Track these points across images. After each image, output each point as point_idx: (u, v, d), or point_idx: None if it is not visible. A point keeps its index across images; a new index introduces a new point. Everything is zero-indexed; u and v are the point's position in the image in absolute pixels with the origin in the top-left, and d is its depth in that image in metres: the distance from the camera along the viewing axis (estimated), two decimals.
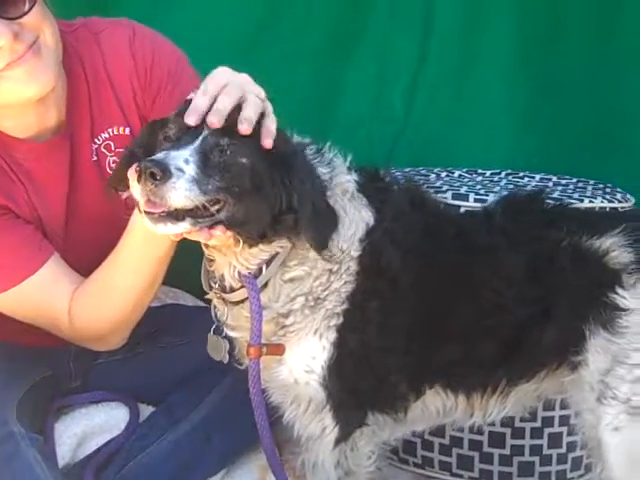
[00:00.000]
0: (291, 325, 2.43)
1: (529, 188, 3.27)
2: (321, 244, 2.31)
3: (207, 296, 2.53)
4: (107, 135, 2.73)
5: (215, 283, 2.47)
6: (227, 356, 2.54)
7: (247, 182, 2.24)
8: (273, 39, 3.62)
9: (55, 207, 2.71)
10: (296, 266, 2.39)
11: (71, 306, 2.67)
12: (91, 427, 2.90)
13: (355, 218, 2.43)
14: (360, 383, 2.48)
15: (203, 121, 2.24)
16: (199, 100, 2.21)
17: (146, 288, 2.66)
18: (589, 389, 2.41)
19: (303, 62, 3.65)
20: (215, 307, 2.52)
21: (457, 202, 3.08)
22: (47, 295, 2.65)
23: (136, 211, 2.32)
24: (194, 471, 2.85)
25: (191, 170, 2.15)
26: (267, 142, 2.24)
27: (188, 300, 3.63)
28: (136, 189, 2.16)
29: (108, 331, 2.74)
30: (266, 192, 2.27)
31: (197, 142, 2.22)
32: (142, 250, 2.57)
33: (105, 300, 2.66)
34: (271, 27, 3.62)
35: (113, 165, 2.70)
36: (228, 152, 2.23)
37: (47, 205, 2.69)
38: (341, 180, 2.44)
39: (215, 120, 2.17)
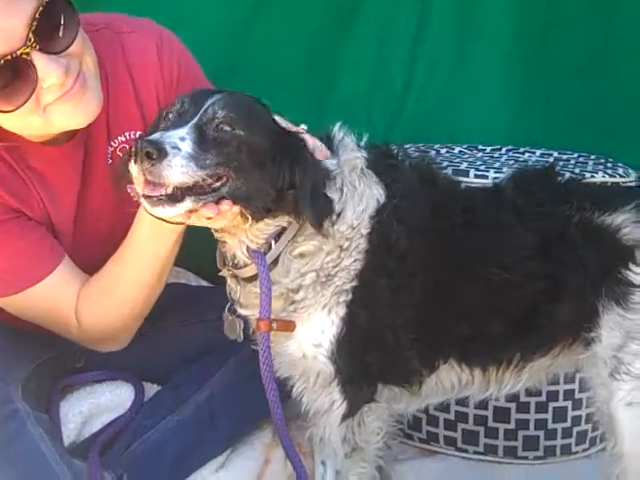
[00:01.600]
0: (301, 301, 2.45)
1: (535, 163, 3.27)
2: (317, 221, 2.33)
3: (220, 273, 2.53)
4: (124, 138, 2.72)
5: (228, 262, 2.49)
6: (242, 335, 2.56)
7: (245, 156, 2.27)
8: (269, 18, 3.60)
9: (66, 208, 2.69)
10: (305, 241, 2.42)
11: (78, 306, 2.66)
12: (96, 406, 2.92)
13: (365, 194, 2.45)
14: (369, 358, 2.50)
15: (203, 101, 2.28)
16: None
17: (153, 283, 2.67)
18: (602, 364, 2.43)
19: (299, 40, 3.63)
20: (229, 286, 2.53)
21: (458, 178, 3.03)
22: (57, 297, 2.65)
23: (141, 207, 2.31)
24: (200, 450, 2.88)
25: (187, 147, 2.18)
26: None
27: (192, 279, 3.64)
28: (134, 170, 2.17)
29: (116, 329, 2.73)
30: (267, 167, 2.30)
31: (195, 119, 2.25)
32: (148, 245, 2.58)
33: (112, 296, 2.67)
34: (266, 6, 3.60)
35: None
36: (225, 127, 2.27)
37: (58, 206, 2.67)
38: (349, 157, 2.46)
39: None
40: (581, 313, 2.44)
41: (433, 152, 3.43)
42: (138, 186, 2.21)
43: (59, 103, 2.36)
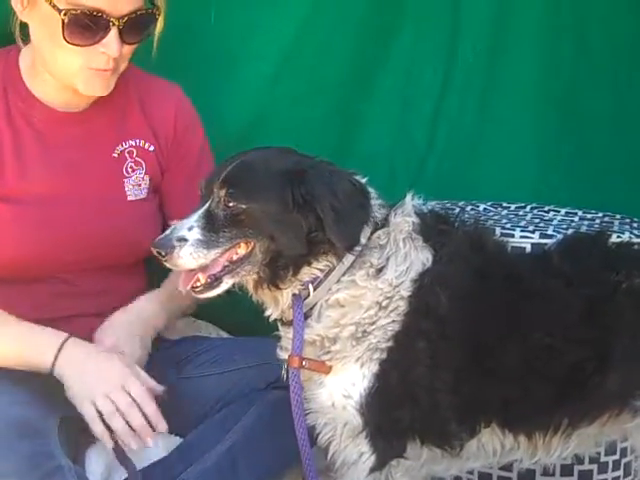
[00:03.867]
0: (337, 352, 2.50)
1: (560, 222, 3.29)
2: (347, 240, 2.43)
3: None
4: (133, 143, 2.99)
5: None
6: (285, 375, 2.60)
7: (258, 222, 2.45)
8: (294, 72, 3.58)
9: (57, 171, 2.88)
10: (340, 290, 2.49)
11: None
12: None
13: (410, 256, 2.50)
14: (400, 414, 2.51)
15: (215, 183, 2.50)
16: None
17: None
18: None
19: (324, 94, 3.62)
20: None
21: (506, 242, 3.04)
22: None
23: None
24: None
25: (195, 234, 2.45)
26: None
27: (211, 331, 3.62)
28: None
29: None
30: (285, 222, 2.44)
31: (206, 204, 2.51)
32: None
33: None
34: (293, 59, 3.58)
35: (130, 170, 2.97)
36: (230, 203, 2.46)
37: (49, 167, 2.87)
38: (399, 220, 2.54)
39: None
40: (629, 381, 2.44)
41: (458, 209, 3.39)
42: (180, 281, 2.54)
43: (91, 75, 2.78)
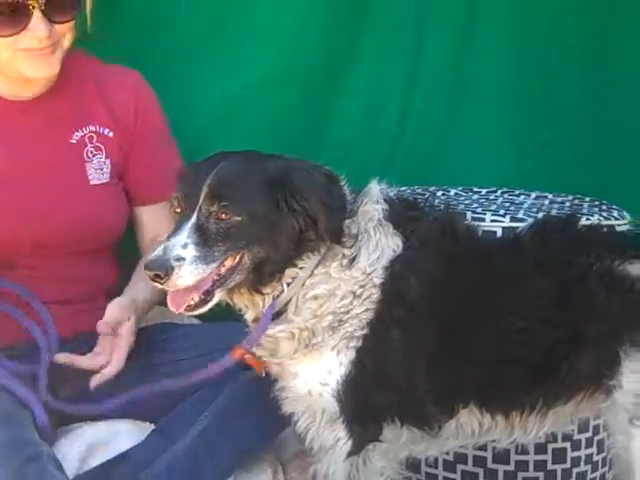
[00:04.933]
0: (317, 343, 2.51)
1: (530, 206, 3.33)
2: (338, 233, 2.43)
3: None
4: (93, 128, 3.00)
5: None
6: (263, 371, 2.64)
7: (250, 231, 2.42)
8: (265, 61, 3.59)
9: (6, 163, 2.90)
10: (315, 284, 2.48)
11: None
12: (96, 441, 2.89)
13: (381, 244, 2.51)
14: (376, 399, 2.54)
15: (196, 195, 2.43)
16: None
17: None
18: (623, 411, 2.46)
19: (294, 85, 3.63)
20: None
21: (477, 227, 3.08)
22: None
23: None
24: None
25: (191, 252, 2.37)
26: None
27: (182, 318, 3.59)
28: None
29: None
30: (277, 226, 2.42)
31: (193, 219, 2.42)
32: None
33: None
34: (263, 48, 3.58)
35: (90, 154, 2.98)
36: (222, 216, 2.41)
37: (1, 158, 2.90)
38: (366, 209, 2.54)
39: None
40: (602, 361, 2.47)
41: (428, 195, 3.44)
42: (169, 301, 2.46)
43: (28, 56, 2.80)
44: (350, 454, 2.57)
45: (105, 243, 3.04)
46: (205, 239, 2.39)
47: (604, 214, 3.24)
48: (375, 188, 2.59)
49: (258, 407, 2.72)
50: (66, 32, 2.85)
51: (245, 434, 2.85)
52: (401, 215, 2.56)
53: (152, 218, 3.12)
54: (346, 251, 2.49)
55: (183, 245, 2.37)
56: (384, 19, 3.65)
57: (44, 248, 2.90)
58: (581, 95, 3.66)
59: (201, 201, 2.41)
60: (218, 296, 2.45)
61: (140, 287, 2.94)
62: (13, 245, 2.86)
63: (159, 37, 3.50)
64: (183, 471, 2.78)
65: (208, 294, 2.43)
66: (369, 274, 2.49)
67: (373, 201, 2.55)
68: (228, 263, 2.42)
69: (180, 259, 2.35)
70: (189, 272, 2.35)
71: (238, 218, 2.40)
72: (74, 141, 2.98)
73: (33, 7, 2.73)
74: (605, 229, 3.01)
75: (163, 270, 2.34)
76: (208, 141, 3.35)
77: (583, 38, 3.63)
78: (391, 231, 2.53)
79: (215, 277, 2.42)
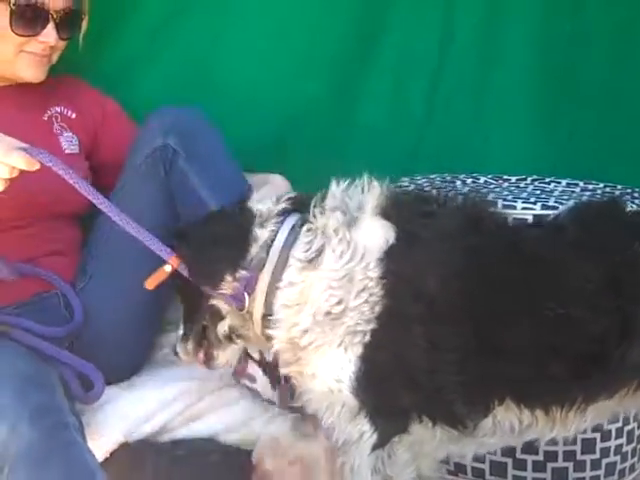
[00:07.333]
0: (309, 344, 2.50)
1: (561, 193, 3.27)
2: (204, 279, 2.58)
3: None
4: (58, 109, 3.27)
5: None
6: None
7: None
8: (290, 46, 3.59)
9: None
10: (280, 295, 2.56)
11: None
12: None
13: (359, 236, 2.49)
14: (399, 398, 2.50)
15: None
16: None
17: None
18: None
19: (317, 71, 3.62)
20: None
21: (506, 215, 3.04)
22: None
23: None
24: None
25: (180, 330, 2.71)
26: None
27: None
28: None
29: None
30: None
31: None
32: None
33: None
34: (287, 33, 3.58)
35: (58, 130, 3.23)
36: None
37: None
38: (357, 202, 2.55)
39: None
40: None
41: (459, 182, 3.43)
42: None
43: (29, 59, 3.09)
44: (375, 447, 2.55)
45: (74, 211, 3.18)
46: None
47: (636, 202, 3.18)
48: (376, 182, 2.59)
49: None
50: (61, 48, 3.17)
51: None
52: (391, 205, 2.53)
53: None
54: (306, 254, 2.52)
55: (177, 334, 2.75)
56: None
57: (31, 209, 3.04)
58: (608, 80, 3.59)
59: None
60: (223, 357, 2.70)
61: None
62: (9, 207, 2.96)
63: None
64: None
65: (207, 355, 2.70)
66: (338, 269, 2.47)
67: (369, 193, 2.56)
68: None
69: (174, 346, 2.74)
70: (178, 351, 2.72)
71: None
72: (45, 118, 3.23)
73: (52, 17, 3.05)
74: None
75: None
76: (232, 129, 3.34)
77: (610, 21, 3.56)
78: (383, 223, 2.50)
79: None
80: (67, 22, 3.12)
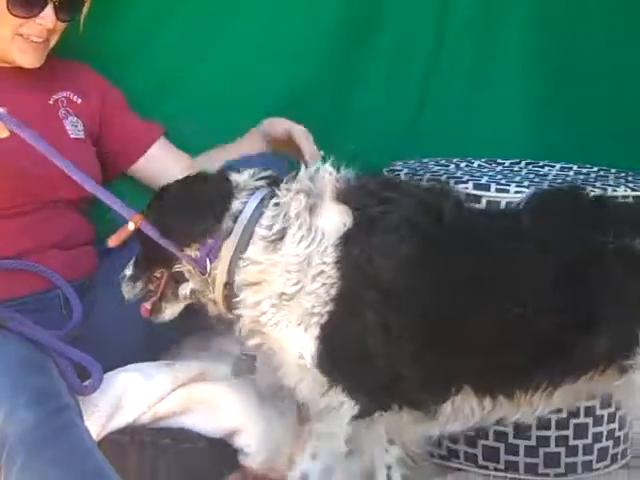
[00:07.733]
0: (268, 321, 2.54)
1: (554, 178, 3.26)
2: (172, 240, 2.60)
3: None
4: (64, 94, 3.23)
5: None
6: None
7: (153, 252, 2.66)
8: (282, 33, 3.55)
9: None
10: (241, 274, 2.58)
11: None
12: None
13: (318, 221, 2.51)
14: (367, 380, 2.51)
15: None
16: None
17: None
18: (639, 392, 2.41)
19: (313, 55, 3.58)
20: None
21: (479, 192, 3.08)
22: None
23: None
24: None
25: (129, 270, 2.73)
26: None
27: None
28: None
29: None
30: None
31: None
32: None
33: None
34: (279, 22, 3.55)
35: (64, 114, 3.20)
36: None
37: None
38: (302, 186, 2.57)
39: None
40: (618, 342, 2.39)
41: (453, 166, 3.41)
42: None
43: (24, 42, 3.02)
44: (355, 417, 2.55)
45: (80, 196, 3.05)
46: (137, 260, 2.73)
47: (630, 185, 3.16)
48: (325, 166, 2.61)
49: None
50: (59, 31, 3.10)
51: None
52: (353, 191, 2.54)
53: (155, 163, 3.34)
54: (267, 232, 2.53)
55: (129, 266, 2.74)
56: None
57: (38, 194, 3.02)
58: (607, 64, 3.58)
59: None
60: (168, 311, 2.72)
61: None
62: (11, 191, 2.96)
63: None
64: None
65: (159, 307, 2.73)
66: (299, 253, 2.48)
67: (327, 179, 2.58)
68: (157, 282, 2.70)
69: (123, 277, 2.73)
70: (124, 287, 2.73)
71: (140, 246, 2.71)
72: (51, 102, 3.19)
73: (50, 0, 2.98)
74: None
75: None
76: (228, 115, 3.38)
77: (608, 3, 3.56)
78: (340, 208, 2.51)
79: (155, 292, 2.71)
80: (68, 4, 3.05)
